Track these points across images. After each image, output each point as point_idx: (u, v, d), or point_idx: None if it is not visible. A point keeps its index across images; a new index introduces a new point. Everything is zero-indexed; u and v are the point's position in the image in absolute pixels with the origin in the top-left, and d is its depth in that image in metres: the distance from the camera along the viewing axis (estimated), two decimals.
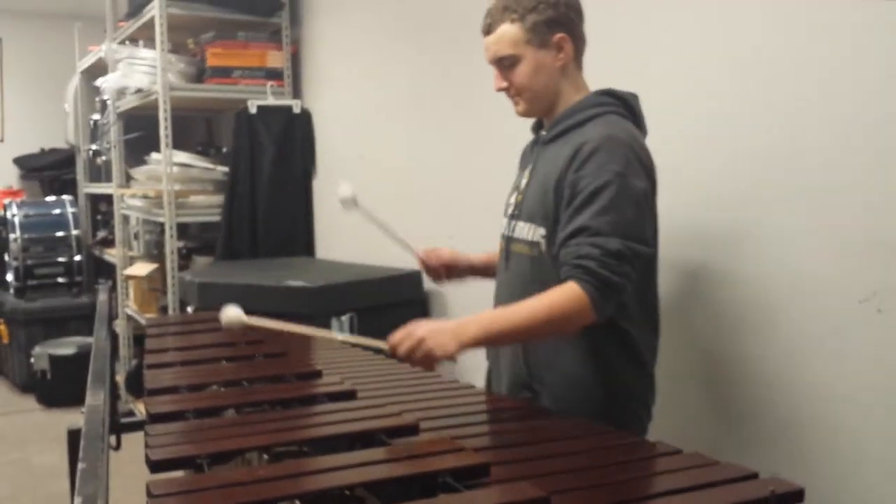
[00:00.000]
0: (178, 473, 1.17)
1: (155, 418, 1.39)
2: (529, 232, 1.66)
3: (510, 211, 1.74)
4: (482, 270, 1.96)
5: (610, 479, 1.15)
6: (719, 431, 1.92)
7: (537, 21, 1.61)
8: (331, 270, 3.16)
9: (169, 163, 3.74)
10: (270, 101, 3.87)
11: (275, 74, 3.97)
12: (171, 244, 3.73)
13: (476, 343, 1.51)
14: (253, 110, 3.81)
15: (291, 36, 4.00)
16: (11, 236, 5.34)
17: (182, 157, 3.92)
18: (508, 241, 1.73)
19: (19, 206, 5.51)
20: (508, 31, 1.63)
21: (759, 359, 1.83)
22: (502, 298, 1.75)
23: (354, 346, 1.70)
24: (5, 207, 5.51)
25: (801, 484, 1.11)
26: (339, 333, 1.75)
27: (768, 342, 1.81)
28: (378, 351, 1.64)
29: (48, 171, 6.29)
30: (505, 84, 1.68)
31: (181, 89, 3.81)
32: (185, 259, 4.04)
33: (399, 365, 1.99)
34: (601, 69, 1.78)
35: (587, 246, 1.48)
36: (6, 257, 5.44)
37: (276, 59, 3.97)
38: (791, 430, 1.77)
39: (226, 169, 3.94)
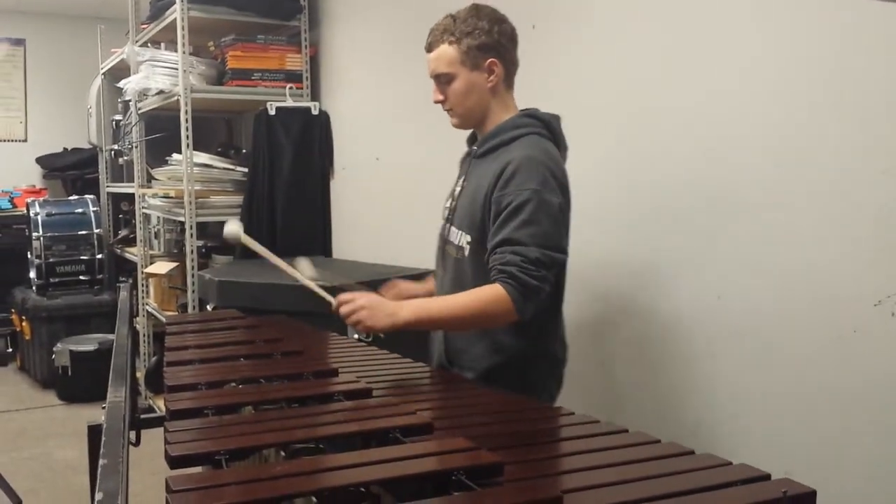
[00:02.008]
0: (197, 469, 1.19)
1: (175, 415, 1.40)
2: (458, 237, 1.85)
3: (445, 215, 1.93)
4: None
5: (622, 479, 1.16)
6: (729, 430, 1.92)
7: (471, 45, 1.80)
8: (348, 270, 3.18)
9: (190, 163, 3.78)
10: (289, 102, 3.90)
11: (293, 77, 4.00)
12: (191, 243, 3.77)
13: (406, 325, 1.70)
14: (272, 112, 3.85)
15: (310, 39, 4.03)
16: (34, 234, 5.41)
17: (202, 157, 3.96)
18: (444, 242, 1.92)
19: (42, 205, 5.58)
20: (446, 51, 1.82)
21: (772, 361, 1.83)
22: (440, 294, 1.94)
23: (310, 291, 1.92)
24: (28, 206, 5.58)
25: (812, 486, 1.12)
26: (305, 277, 1.95)
27: (782, 346, 1.81)
28: (326, 304, 1.85)
29: (71, 170, 6.36)
30: (441, 97, 1.87)
31: (202, 91, 3.85)
32: (204, 258, 4.08)
33: (414, 365, 2.01)
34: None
35: (510, 255, 1.67)
36: (29, 255, 5.51)
37: (294, 61, 4.01)
38: (803, 432, 1.77)
39: (245, 169, 3.98)
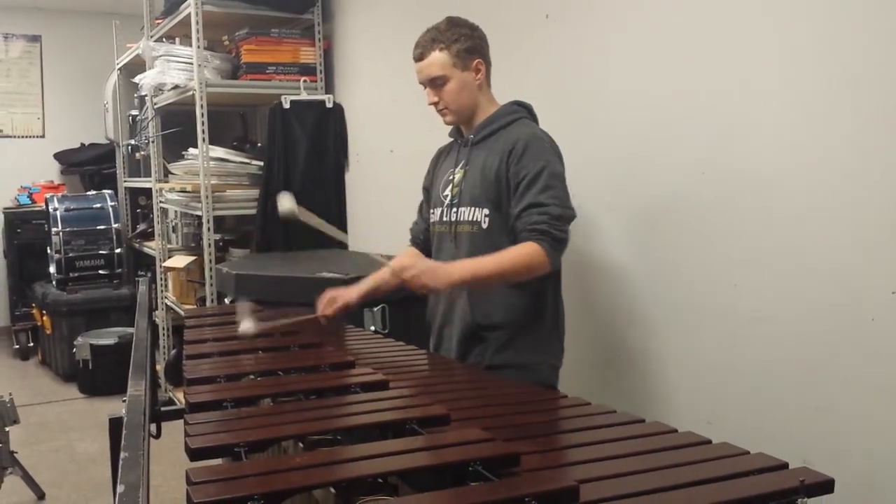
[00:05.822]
0: (217, 461, 1.20)
1: (194, 408, 1.42)
2: (472, 214, 2.03)
3: (448, 201, 2.10)
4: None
5: (638, 468, 1.16)
6: (746, 419, 1.91)
7: (460, 49, 2.03)
8: (363, 262, 3.19)
9: (206, 157, 3.80)
10: (304, 95, 3.91)
11: (308, 70, 4.01)
12: (209, 237, 3.80)
13: (460, 283, 1.91)
14: (287, 105, 3.86)
15: (324, 32, 4.04)
16: (53, 230, 5.47)
17: (218, 151, 3.98)
18: (453, 224, 2.09)
19: (60, 201, 5.64)
20: (438, 57, 2.04)
21: (789, 350, 1.83)
22: None
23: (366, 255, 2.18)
24: (47, 202, 5.63)
25: (830, 475, 1.12)
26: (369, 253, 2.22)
27: (799, 335, 1.80)
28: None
29: (88, 165, 6.40)
30: (436, 99, 2.08)
31: (217, 85, 3.87)
32: (221, 251, 4.10)
33: (430, 356, 2.02)
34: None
35: (537, 215, 1.90)
36: (48, 250, 5.57)
37: (308, 54, 4.02)
38: (821, 420, 1.76)
39: (261, 163, 3.99)
